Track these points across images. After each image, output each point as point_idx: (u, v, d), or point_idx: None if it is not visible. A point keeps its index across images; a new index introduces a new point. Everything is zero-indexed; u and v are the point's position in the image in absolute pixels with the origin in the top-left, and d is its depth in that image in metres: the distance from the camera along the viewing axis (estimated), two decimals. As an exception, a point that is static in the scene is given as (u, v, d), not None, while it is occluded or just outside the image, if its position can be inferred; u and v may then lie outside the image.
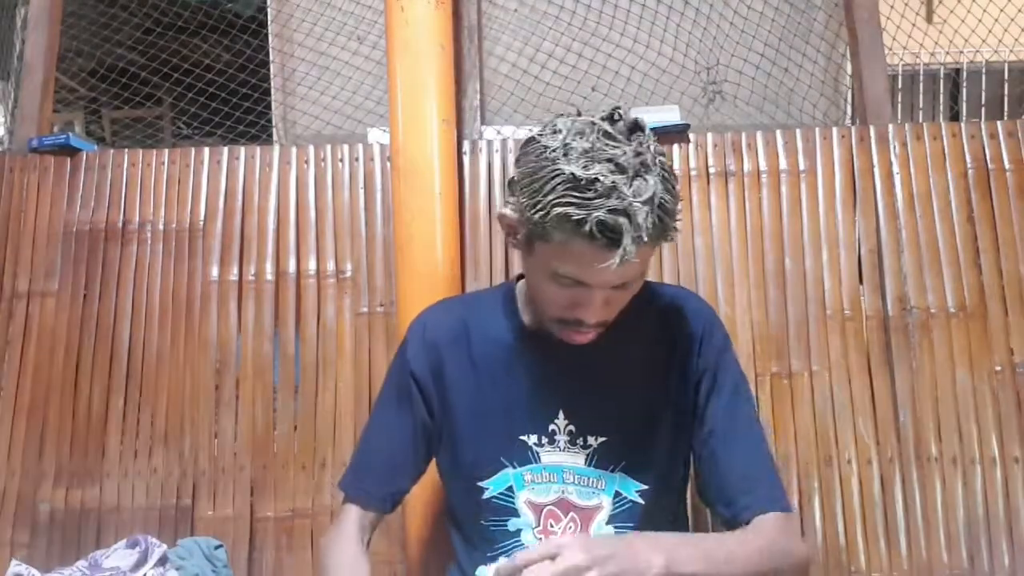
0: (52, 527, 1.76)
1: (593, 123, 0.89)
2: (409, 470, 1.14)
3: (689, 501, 1.26)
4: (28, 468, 1.78)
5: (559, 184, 0.86)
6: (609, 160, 0.86)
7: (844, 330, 1.74)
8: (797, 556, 1.02)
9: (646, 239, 0.86)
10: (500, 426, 1.08)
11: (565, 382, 1.06)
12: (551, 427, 1.06)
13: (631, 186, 0.85)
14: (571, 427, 1.06)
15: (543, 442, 1.07)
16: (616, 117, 0.91)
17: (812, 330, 1.75)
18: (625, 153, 0.86)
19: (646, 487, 1.06)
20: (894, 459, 1.69)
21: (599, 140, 0.87)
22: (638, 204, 0.85)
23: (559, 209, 0.86)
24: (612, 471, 1.06)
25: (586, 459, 1.06)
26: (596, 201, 0.85)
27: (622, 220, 0.84)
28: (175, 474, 1.77)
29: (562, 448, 1.06)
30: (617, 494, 1.06)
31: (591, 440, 1.06)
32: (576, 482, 1.06)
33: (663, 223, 0.88)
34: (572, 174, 0.85)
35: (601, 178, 0.85)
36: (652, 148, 0.89)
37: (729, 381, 1.07)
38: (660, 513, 1.09)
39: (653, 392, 1.07)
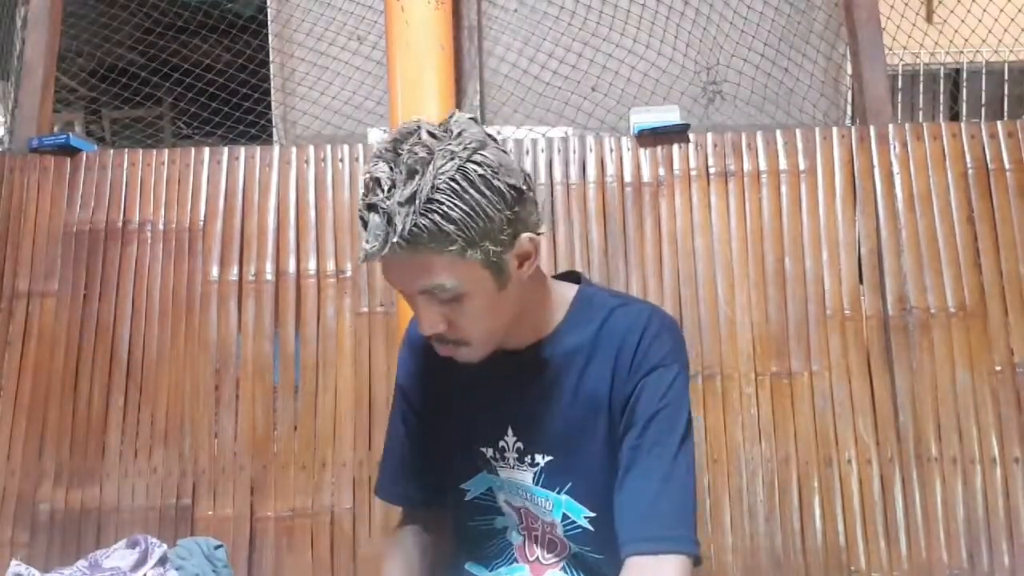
0: (52, 527, 1.76)
1: (418, 125, 0.86)
2: (423, 472, 1.12)
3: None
4: (28, 468, 1.78)
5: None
6: (394, 159, 0.83)
7: (844, 330, 1.75)
8: None
9: (398, 239, 0.80)
10: (466, 435, 1.07)
11: (516, 397, 1.02)
12: (501, 443, 1.03)
13: (403, 184, 0.81)
14: (519, 444, 1.02)
15: (496, 456, 1.04)
16: (449, 120, 0.87)
17: (812, 330, 1.75)
18: (412, 153, 0.82)
19: (594, 515, 1.00)
20: (894, 459, 1.69)
21: (398, 140, 0.84)
22: (395, 202, 0.80)
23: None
24: (559, 493, 1.01)
25: (534, 477, 1.02)
26: (365, 199, 0.83)
27: (373, 216, 0.81)
28: (175, 474, 1.78)
29: (512, 465, 1.03)
30: (565, 516, 1.02)
31: (539, 459, 1.01)
32: (529, 500, 1.04)
33: (431, 227, 0.80)
34: (366, 173, 0.85)
35: (375, 176, 0.83)
36: (451, 151, 0.82)
37: (647, 409, 0.94)
38: (615, 544, 0.99)
39: (597, 415, 0.98)
